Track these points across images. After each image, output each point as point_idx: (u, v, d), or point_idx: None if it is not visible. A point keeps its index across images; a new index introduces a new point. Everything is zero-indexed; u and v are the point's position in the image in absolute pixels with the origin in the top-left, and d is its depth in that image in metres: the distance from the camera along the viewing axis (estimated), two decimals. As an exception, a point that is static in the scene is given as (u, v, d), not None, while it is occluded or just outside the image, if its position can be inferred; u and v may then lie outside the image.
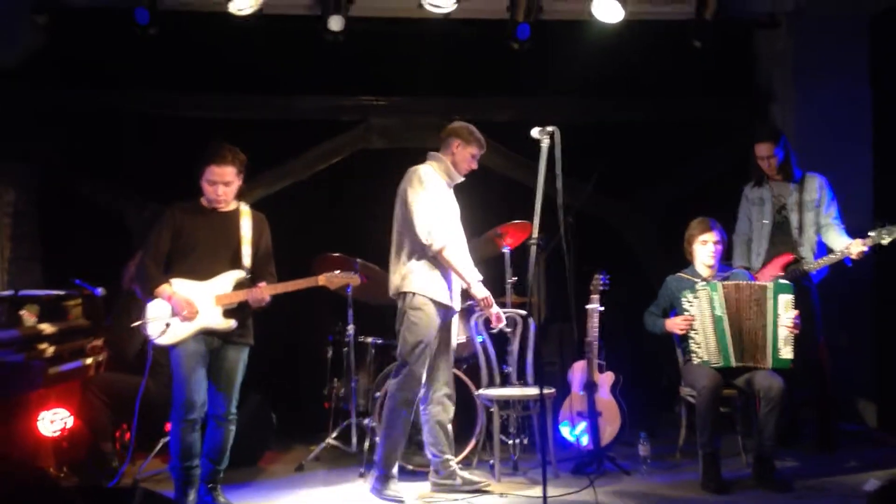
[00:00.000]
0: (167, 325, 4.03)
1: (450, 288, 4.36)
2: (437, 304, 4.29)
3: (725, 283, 4.66)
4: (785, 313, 4.51)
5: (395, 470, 4.37)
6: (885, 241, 4.70)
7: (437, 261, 4.29)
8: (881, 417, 5.74)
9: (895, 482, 1.23)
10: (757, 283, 4.65)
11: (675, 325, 4.72)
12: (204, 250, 4.16)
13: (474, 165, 4.49)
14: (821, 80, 5.99)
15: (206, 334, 4.12)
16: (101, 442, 4.64)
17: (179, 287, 4.09)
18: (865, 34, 6.01)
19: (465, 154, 4.43)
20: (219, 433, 4.21)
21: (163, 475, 4.80)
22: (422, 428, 4.49)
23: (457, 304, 4.46)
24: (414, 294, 4.26)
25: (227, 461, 4.28)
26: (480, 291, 4.42)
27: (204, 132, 6.03)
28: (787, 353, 4.50)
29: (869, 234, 4.75)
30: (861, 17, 6.01)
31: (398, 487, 4.34)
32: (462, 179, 4.52)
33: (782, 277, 5.01)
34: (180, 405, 4.06)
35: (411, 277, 4.27)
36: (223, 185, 4.13)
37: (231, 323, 4.11)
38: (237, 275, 4.17)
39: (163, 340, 4.07)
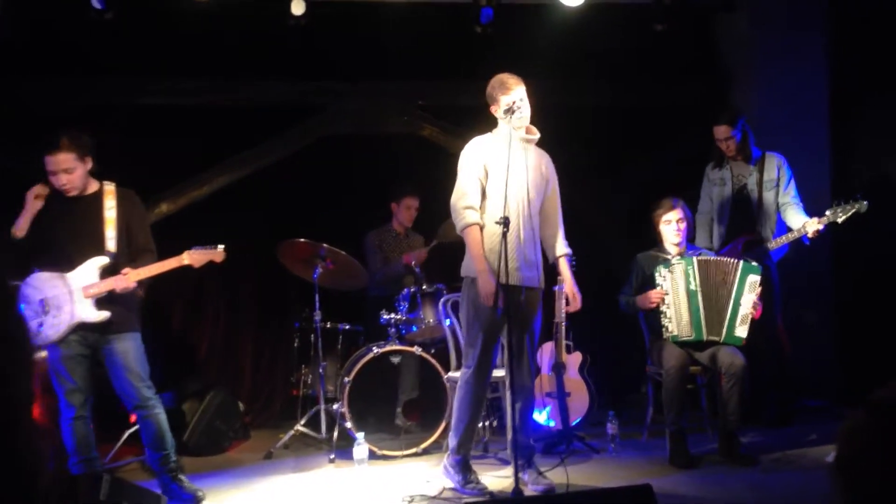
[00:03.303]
0: (39, 324, 3.90)
1: (502, 264, 3.82)
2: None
3: (699, 257, 4.71)
4: (748, 293, 4.57)
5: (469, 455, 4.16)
6: (840, 219, 4.79)
7: (493, 237, 3.99)
8: (842, 392, 5.86)
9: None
10: (728, 258, 4.68)
11: (647, 299, 4.74)
12: (65, 239, 3.98)
13: (523, 108, 4.03)
14: (779, 62, 6.07)
15: (83, 329, 3.96)
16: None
17: (44, 280, 3.94)
18: (822, 15, 6.11)
19: (503, 109, 4.02)
20: (148, 423, 4.05)
21: (130, 465, 4.76)
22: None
23: (522, 281, 4.02)
24: (463, 277, 4.12)
25: (173, 444, 4.13)
26: (483, 283, 3.93)
27: (165, 119, 5.98)
28: (741, 331, 4.56)
29: (825, 213, 4.84)
30: (818, -1, 6.12)
31: (477, 476, 4.12)
32: (536, 135, 4.14)
33: (741, 256, 5.10)
34: (65, 406, 3.94)
35: (465, 259, 4.10)
36: (63, 173, 3.92)
37: (104, 314, 3.94)
38: (100, 261, 3.97)
39: (39, 341, 3.92)
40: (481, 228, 4.02)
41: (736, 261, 4.64)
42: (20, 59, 5.71)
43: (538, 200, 4.15)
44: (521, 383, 4.05)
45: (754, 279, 4.58)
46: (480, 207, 4.05)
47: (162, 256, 5.83)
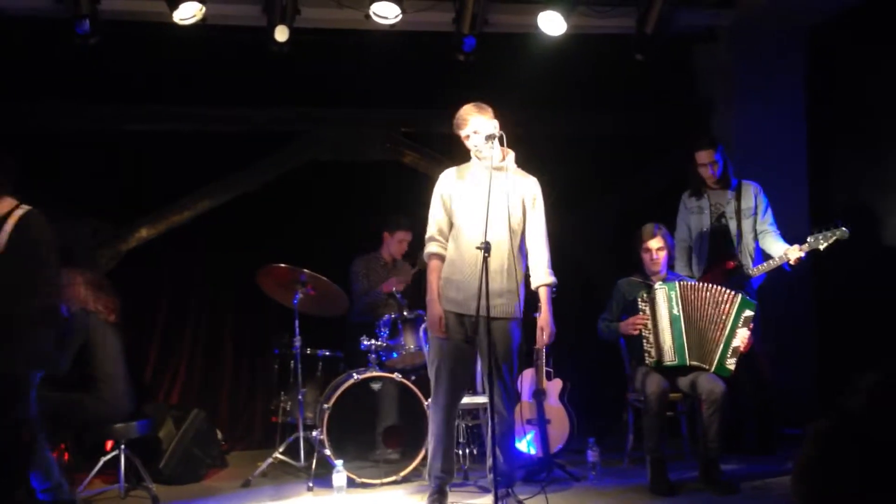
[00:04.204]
0: None
1: (460, 293, 3.98)
2: (447, 313, 4.04)
3: (682, 282, 4.70)
4: (742, 327, 4.54)
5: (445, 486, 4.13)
6: (822, 246, 4.83)
7: (450, 266, 4.08)
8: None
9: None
10: (725, 288, 4.62)
11: (628, 326, 4.71)
12: None
13: (478, 141, 4.05)
14: (759, 92, 6.16)
15: None
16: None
17: None
18: (802, 47, 6.21)
19: (465, 141, 4.12)
20: None
21: (104, 494, 4.68)
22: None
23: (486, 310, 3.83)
24: None
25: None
26: (429, 312, 4.09)
27: (148, 145, 5.96)
28: (731, 363, 4.53)
29: (807, 240, 4.87)
30: (798, 31, 6.20)
31: None
32: (500, 162, 4.08)
33: (724, 284, 5.11)
34: None
35: None
36: None
37: None
38: None
39: None
40: (442, 258, 4.12)
41: (733, 293, 4.59)
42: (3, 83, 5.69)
43: (511, 228, 4.05)
44: (496, 410, 4.00)
45: (750, 314, 4.55)
46: (449, 238, 4.13)
47: (140, 283, 5.88)
